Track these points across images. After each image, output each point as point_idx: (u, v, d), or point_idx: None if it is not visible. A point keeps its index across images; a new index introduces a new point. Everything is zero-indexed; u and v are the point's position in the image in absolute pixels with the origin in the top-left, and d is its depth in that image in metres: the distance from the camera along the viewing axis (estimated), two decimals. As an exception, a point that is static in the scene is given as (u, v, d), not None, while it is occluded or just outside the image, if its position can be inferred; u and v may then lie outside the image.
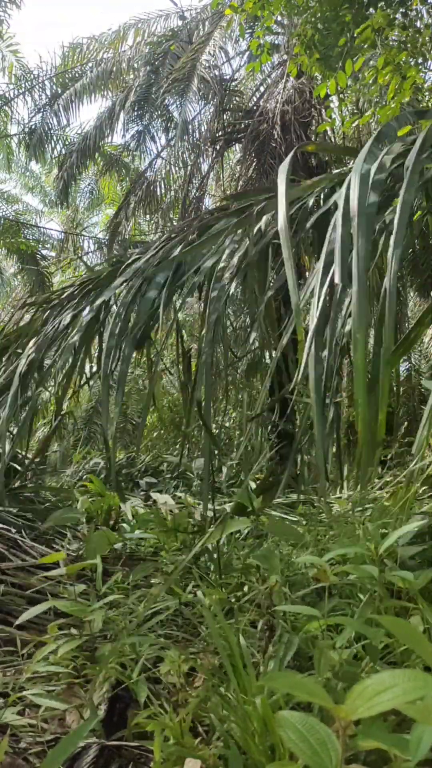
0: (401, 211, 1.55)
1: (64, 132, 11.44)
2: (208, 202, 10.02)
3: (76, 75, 10.52)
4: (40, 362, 2.75)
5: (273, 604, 1.43)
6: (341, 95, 5.41)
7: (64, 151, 11.14)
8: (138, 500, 4.51)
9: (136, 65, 9.88)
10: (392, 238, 1.52)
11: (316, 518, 3.41)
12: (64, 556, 1.91)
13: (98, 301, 2.69)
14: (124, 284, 2.60)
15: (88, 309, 2.76)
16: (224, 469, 6.47)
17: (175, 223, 9.81)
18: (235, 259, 2.37)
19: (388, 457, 7.86)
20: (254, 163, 8.40)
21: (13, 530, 2.90)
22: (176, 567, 2.31)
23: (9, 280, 16.90)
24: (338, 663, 1.13)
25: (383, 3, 4.11)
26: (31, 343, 2.83)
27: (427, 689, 0.61)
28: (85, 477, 5.56)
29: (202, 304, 3.00)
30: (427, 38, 4.02)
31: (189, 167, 9.68)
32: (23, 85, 10.94)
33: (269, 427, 8.63)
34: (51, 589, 2.23)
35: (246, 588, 1.90)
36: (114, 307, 2.70)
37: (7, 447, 2.67)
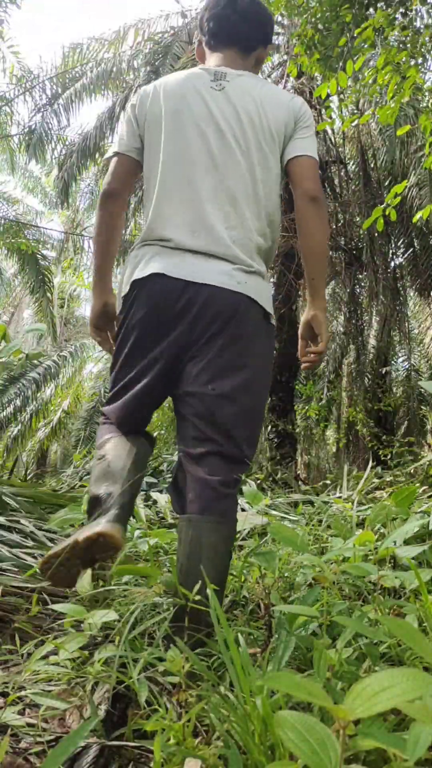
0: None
1: (64, 132, 11.45)
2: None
3: (77, 75, 10.51)
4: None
5: (272, 604, 1.43)
6: (341, 95, 5.42)
7: (64, 152, 11.14)
8: (138, 500, 4.50)
9: (136, 65, 9.88)
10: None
11: (315, 518, 3.41)
12: (64, 556, 1.91)
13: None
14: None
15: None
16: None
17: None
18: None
19: (388, 456, 7.87)
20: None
21: (14, 530, 2.90)
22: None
23: (9, 280, 16.91)
24: (337, 663, 1.13)
25: (383, 3, 4.11)
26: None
27: (427, 689, 0.61)
28: (85, 477, 5.55)
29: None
30: (427, 38, 4.02)
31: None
32: (24, 86, 10.95)
33: (269, 427, 8.65)
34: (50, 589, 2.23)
35: (244, 588, 1.90)
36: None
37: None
